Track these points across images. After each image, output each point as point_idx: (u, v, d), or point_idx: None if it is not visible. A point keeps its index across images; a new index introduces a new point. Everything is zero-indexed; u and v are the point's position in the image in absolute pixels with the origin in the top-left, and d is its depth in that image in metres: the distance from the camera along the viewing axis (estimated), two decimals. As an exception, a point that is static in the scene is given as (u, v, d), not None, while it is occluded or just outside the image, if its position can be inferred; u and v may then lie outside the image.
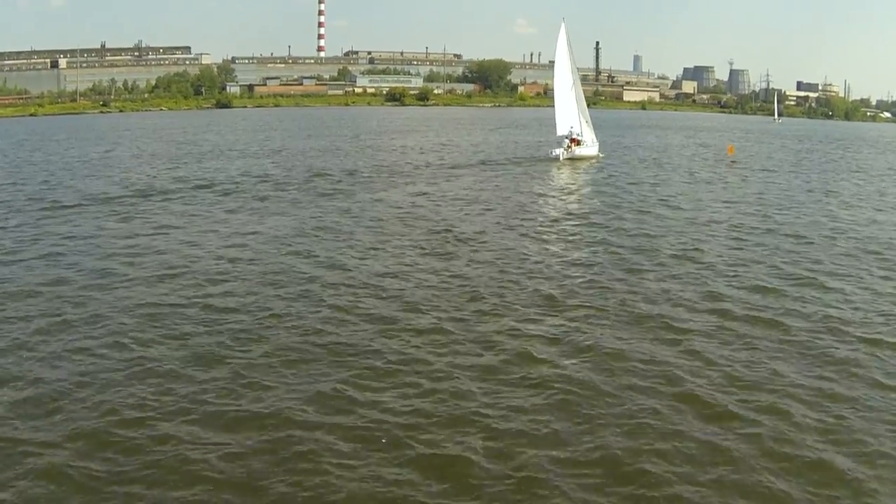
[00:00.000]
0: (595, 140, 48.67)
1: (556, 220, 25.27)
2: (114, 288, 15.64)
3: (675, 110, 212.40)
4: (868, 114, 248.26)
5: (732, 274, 17.51)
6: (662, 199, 30.61)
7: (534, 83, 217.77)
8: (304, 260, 18.46)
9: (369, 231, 22.53)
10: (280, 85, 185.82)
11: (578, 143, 46.82)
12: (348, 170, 39.71)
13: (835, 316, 14.27)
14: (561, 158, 45.65)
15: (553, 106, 48.22)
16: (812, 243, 21.47)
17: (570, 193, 33.05)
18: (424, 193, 31.09)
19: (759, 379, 11.24)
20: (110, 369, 11.26)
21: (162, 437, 9.17)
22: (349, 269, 17.47)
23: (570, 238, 22.12)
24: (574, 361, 11.88)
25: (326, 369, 11.40)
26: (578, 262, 18.85)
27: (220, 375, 11.10)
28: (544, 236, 22.26)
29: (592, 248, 20.48)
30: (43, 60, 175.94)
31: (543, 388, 10.77)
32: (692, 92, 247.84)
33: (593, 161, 46.91)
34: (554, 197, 31.51)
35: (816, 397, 10.58)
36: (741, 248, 20.59)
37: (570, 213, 26.94)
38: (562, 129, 46.95)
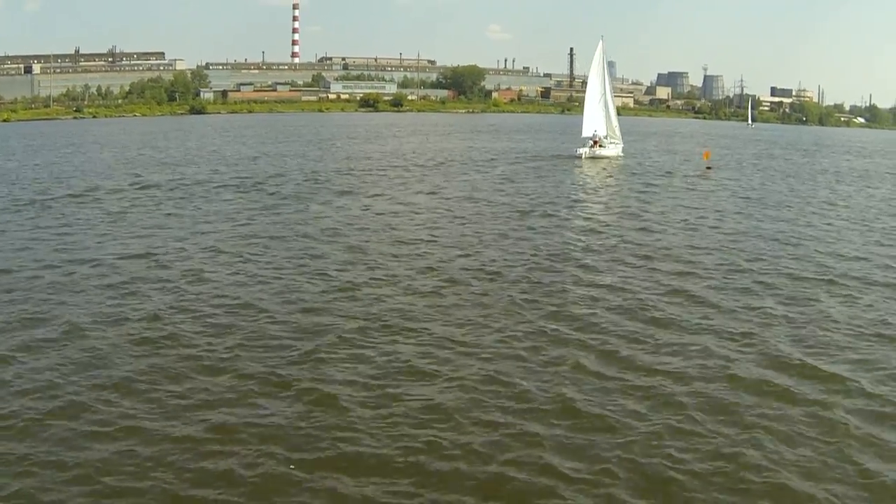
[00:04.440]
0: (619, 142, 56.37)
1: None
2: None
3: (650, 116, 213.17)
4: (842, 119, 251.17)
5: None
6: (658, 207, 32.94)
7: (508, 89, 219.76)
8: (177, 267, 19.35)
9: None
10: (254, 91, 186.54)
11: (600, 144, 54.21)
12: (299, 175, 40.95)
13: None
14: (583, 157, 53.00)
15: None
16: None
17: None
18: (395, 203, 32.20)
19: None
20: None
21: None
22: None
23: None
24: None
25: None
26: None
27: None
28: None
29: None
30: (16, 66, 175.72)
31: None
32: (666, 98, 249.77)
33: (613, 160, 53.77)
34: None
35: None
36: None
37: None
38: (586, 132, 54.67)
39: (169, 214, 28.53)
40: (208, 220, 27.23)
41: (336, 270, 19.37)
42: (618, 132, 56.30)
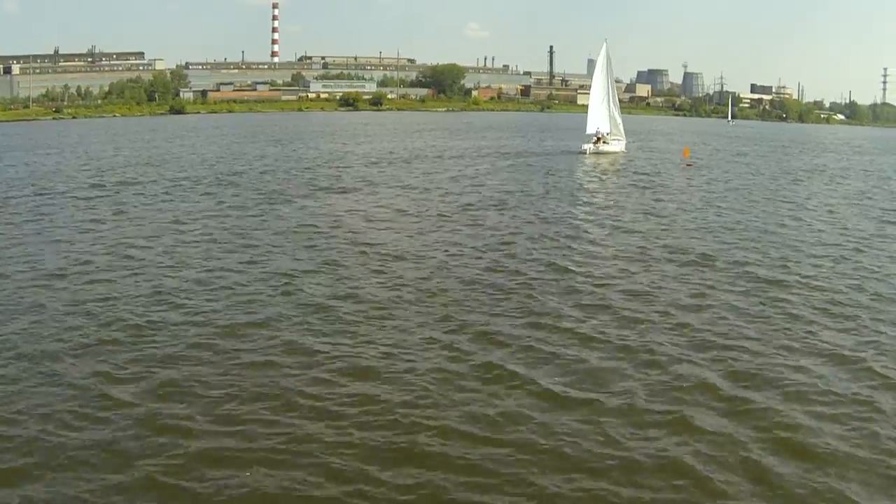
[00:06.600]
0: (622, 139, 59.85)
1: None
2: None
3: (630, 113, 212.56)
4: (822, 116, 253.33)
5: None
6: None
7: (487, 87, 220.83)
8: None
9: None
10: (234, 90, 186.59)
11: (604, 141, 57.70)
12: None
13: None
14: (588, 153, 56.71)
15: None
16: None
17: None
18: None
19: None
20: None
21: None
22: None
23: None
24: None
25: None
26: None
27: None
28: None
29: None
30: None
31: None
32: (646, 95, 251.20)
33: (617, 155, 57.51)
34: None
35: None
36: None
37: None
38: (590, 129, 58.10)
39: (125, 214, 28.18)
40: (174, 219, 26.98)
41: (307, 270, 19.20)
42: (621, 129, 59.40)
